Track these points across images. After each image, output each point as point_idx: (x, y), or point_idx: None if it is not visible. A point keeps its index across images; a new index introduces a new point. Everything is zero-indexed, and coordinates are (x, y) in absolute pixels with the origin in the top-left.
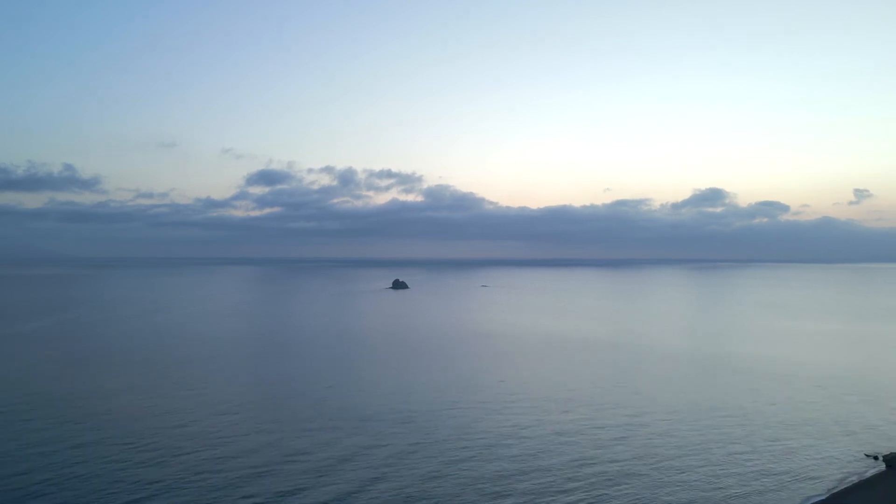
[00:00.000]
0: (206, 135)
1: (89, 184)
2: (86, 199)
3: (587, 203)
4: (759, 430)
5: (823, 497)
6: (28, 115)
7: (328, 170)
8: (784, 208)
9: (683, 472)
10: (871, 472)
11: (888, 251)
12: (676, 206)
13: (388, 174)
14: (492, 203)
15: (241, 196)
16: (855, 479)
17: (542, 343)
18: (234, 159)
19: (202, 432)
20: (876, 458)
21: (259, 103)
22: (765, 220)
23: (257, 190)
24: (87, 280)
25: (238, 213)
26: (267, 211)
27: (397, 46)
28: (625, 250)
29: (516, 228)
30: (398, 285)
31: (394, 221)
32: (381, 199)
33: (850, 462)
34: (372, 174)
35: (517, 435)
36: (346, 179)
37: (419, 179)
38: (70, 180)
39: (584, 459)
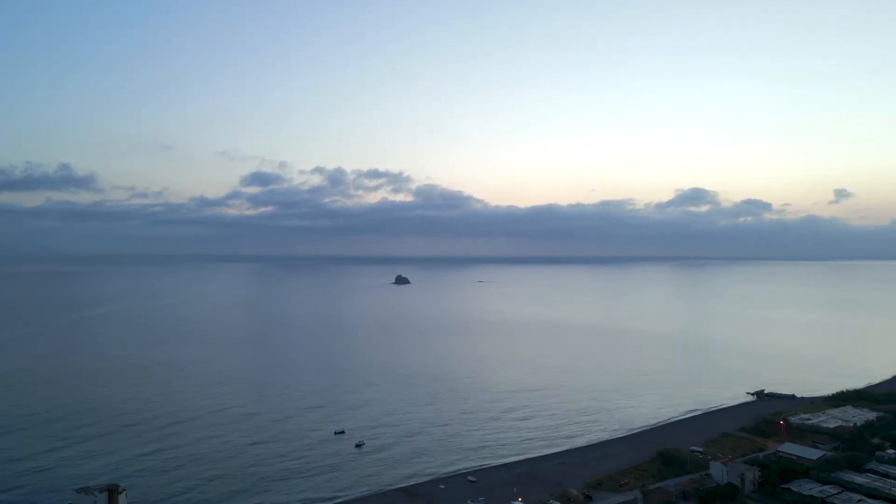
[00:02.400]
0: (201, 137)
1: (85, 182)
2: (82, 198)
3: (573, 202)
4: (666, 380)
5: (700, 413)
6: (25, 117)
7: (318, 170)
8: (766, 206)
9: (593, 408)
10: (744, 401)
11: (872, 249)
12: (661, 206)
13: (376, 174)
14: (479, 201)
15: (235, 195)
16: (729, 404)
17: (538, 329)
18: (229, 161)
19: (262, 383)
20: (752, 394)
21: (254, 106)
22: (749, 218)
23: (251, 190)
24: (101, 276)
25: (232, 212)
26: (261, 210)
27: (385, 51)
28: (613, 248)
29: (505, 226)
30: (400, 280)
31: (386, 220)
32: (372, 198)
33: (734, 397)
34: (360, 174)
35: (505, 386)
36: (336, 180)
37: (407, 179)
38: (66, 179)
39: (546, 396)
